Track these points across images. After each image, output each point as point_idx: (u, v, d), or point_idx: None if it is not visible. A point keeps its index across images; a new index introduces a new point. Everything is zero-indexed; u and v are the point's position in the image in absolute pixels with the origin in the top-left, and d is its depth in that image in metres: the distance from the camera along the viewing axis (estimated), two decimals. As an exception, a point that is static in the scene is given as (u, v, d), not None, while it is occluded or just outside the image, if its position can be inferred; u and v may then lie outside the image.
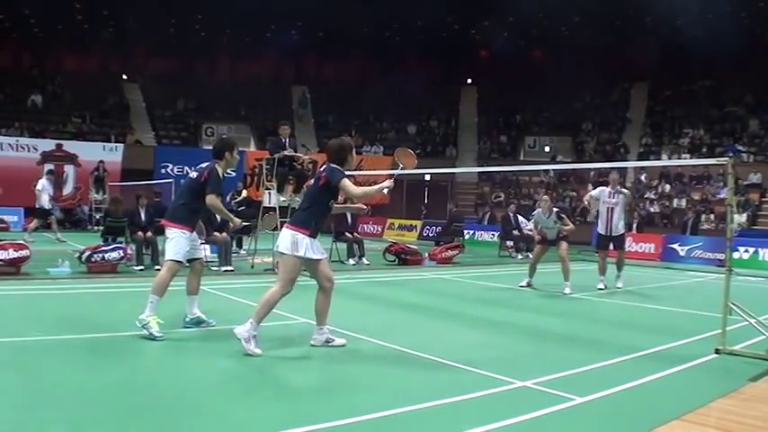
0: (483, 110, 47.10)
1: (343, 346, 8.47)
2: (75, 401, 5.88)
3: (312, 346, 8.43)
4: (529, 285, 15.96)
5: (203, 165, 9.08)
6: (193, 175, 9.04)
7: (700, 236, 26.71)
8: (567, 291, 14.84)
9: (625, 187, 19.62)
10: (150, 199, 18.90)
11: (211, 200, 8.83)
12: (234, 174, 33.98)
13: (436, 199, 40.51)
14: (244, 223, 21.26)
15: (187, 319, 9.14)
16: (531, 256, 24.10)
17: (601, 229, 16.62)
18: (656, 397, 6.66)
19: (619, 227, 16.38)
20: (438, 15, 39.26)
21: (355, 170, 35.41)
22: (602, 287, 15.75)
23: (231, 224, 9.37)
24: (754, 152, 34.97)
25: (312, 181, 9.33)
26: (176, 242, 8.70)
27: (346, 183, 8.17)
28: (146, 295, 8.54)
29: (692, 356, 8.38)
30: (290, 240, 8.07)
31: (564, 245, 15.63)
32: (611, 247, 16.50)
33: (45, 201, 23.58)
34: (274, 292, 8.04)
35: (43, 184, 23.92)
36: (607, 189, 16.86)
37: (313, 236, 8.19)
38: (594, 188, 18.51)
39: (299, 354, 8.19)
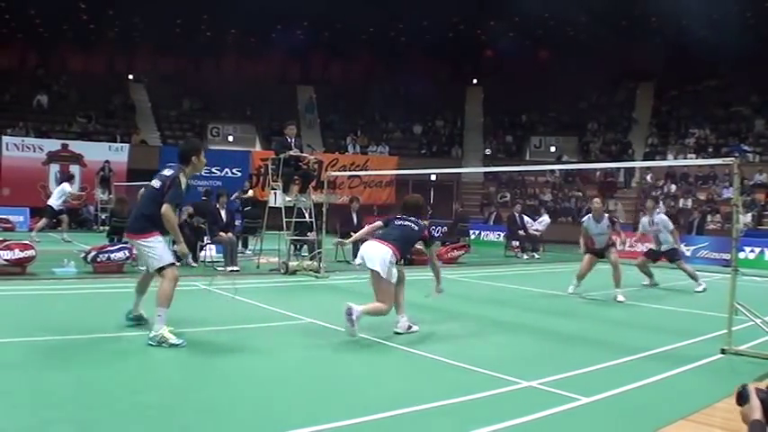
0: (489, 110, 47.08)
1: (417, 332, 9.44)
2: (81, 401, 5.89)
3: (396, 333, 9.22)
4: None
5: (166, 172, 8.60)
6: (156, 184, 8.47)
7: (705, 236, 26.66)
8: (621, 298, 14.03)
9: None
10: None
11: (166, 210, 8.26)
12: (239, 174, 34.15)
13: (442, 199, 40.51)
14: (248, 224, 21.42)
15: (130, 316, 9.07)
16: (536, 257, 24.30)
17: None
18: (662, 397, 6.65)
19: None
20: (444, 15, 39.29)
21: (360, 170, 35.65)
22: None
23: (178, 247, 8.79)
24: (759, 152, 34.93)
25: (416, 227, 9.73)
26: (161, 248, 8.44)
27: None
28: (151, 296, 8.53)
29: (698, 356, 8.37)
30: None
31: (614, 250, 14.91)
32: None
33: (59, 203, 23.59)
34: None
35: (64, 189, 23.91)
36: (645, 218, 17.78)
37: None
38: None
39: (304, 354, 8.19)
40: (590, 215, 15.12)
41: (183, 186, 8.49)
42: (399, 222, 9.59)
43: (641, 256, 18.38)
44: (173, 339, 7.93)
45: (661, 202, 23.41)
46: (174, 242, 8.86)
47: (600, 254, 14.96)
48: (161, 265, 8.30)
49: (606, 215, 15.04)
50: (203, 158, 8.91)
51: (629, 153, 38.91)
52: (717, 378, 7.61)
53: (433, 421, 5.72)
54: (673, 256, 17.49)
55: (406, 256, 9.29)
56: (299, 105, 45.53)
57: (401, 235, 9.41)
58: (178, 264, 8.87)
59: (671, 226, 17.40)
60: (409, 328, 9.36)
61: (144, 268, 8.92)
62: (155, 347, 7.85)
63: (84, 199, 31.21)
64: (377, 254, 9.02)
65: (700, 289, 16.00)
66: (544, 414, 5.85)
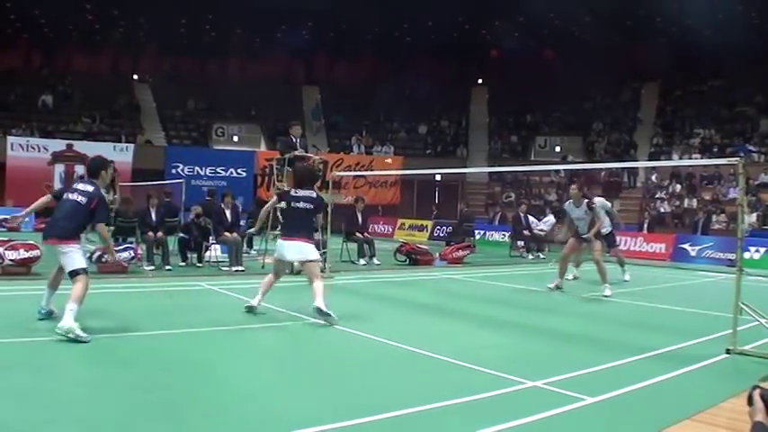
0: (494, 110, 47.05)
1: None
2: (86, 401, 5.90)
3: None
4: (558, 288, 15.13)
5: (88, 188, 9.03)
6: (81, 200, 8.88)
7: (710, 236, 26.64)
8: (608, 293, 14.39)
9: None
10: (161, 199, 18.91)
11: (101, 228, 9.14)
12: (244, 174, 34.20)
13: (447, 199, 40.52)
14: (252, 223, 21.41)
15: (43, 312, 9.34)
16: (542, 257, 24.29)
17: None
18: (667, 397, 6.65)
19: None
20: (449, 15, 39.25)
21: (366, 170, 35.65)
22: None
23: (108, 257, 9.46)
24: (764, 152, 34.84)
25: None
26: (78, 254, 8.82)
27: None
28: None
29: (703, 356, 8.37)
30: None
31: (597, 245, 15.16)
32: None
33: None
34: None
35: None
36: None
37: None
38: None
39: (308, 354, 8.21)
40: (570, 200, 15.64)
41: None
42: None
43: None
44: (79, 332, 8.07)
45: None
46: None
47: (581, 240, 15.29)
48: (81, 268, 8.71)
49: (585, 201, 15.25)
50: (110, 172, 9.69)
51: (631, 153, 38.87)
52: (722, 378, 7.62)
53: (439, 421, 5.73)
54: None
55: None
56: (304, 106, 45.52)
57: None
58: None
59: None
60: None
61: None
62: (162, 346, 7.89)
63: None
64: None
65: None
66: (549, 414, 5.86)
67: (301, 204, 10.40)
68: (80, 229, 8.93)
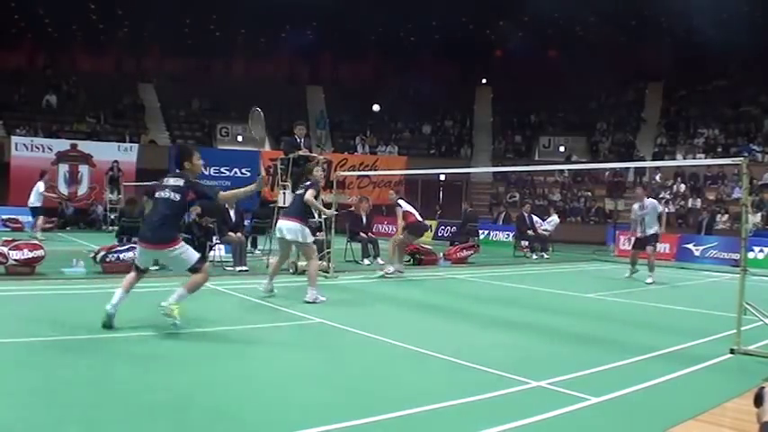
0: (498, 110, 47.11)
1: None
2: (90, 401, 5.90)
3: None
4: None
5: (178, 182, 9.04)
6: (174, 196, 8.96)
7: (714, 236, 26.63)
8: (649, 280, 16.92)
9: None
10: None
11: (223, 197, 9.64)
12: (249, 174, 34.21)
13: (451, 199, 40.53)
14: (257, 224, 21.44)
15: (112, 312, 9.01)
16: (546, 257, 24.30)
17: None
18: (671, 397, 6.63)
19: None
20: (453, 15, 39.31)
21: (370, 170, 35.67)
22: None
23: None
24: (768, 152, 34.92)
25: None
26: (188, 250, 9.17)
27: None
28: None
29: (707, 356, 8.35)
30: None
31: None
32: None
33: (37, 202, 23.76)
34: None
35: (38, 188, 24.13)
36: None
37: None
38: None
39: (313, 354, 8.21)
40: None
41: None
42: None
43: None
44: (177, 318, 8.61)
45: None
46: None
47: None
48: (193, 265, 9.00)
49: (648, 199, 17.83)
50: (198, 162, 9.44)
51: (631, 153, 38.89)
52: (726, 378, 7.60)
53: (443, 421, 5.72)
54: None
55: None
56: (309, 106, 45.56)
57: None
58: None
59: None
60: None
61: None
62: (166, 346, 7.90)
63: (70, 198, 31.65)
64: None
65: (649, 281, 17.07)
66: (553, 414, 5.85)
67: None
68: (178, 227, 9.32)
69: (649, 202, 17.84)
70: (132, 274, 9.08)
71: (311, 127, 41.84)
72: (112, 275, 14.15)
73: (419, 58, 46.11)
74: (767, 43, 34.06)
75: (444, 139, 45.45)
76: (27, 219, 27.17)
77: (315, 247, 12.33)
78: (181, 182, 8.97)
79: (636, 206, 18.08)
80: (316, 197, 12.57)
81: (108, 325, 8.56)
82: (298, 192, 12.54)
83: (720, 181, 34.46)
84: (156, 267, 12.99)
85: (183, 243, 8.95)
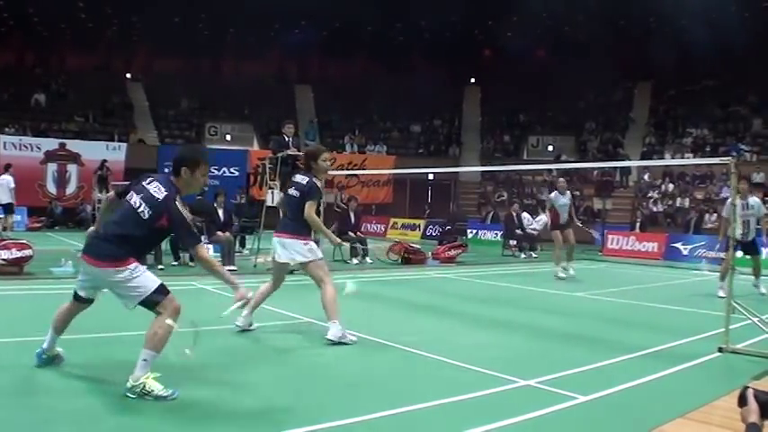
0: (486, 109, 47.10)
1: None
2: (79, 401, 5.88)
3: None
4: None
5: (302, 180, 8.91)
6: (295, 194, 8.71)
7: (703, 235, 26.70)
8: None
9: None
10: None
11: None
12: (237, 173, 34.18)
13: (439, 198, 40.56)
14: (245, 223, 21.41)
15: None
16: (534, 256, 24.35)
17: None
18: (660, 395, 6.66)
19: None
20: (442, 15, 39.25)
21: (358, 169, 35.68)
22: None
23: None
24: (757, 151, 34.99)
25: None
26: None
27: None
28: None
29: (696, 355, 8.38)
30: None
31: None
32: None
33: (8, 198, 23.57)
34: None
35: (8, 180, 23.89)
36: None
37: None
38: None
39: (301, 354, 8.21)
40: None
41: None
42: None
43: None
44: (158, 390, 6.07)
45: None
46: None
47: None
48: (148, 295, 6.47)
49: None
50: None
51: (617, 151, 38.98)
52: (714, 376, 7.64)
53: (431, 420, 5.73)
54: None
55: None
56: (297, 105, 45.52)
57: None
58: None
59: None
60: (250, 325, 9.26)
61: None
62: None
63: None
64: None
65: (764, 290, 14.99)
66: (541, 413, 5.86)
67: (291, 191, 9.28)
68: (136, 247, 6.51)
69: (755, 200, 15.08)
70: (65, 305, 7.01)
71: (299, 119, 41.83)
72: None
73: (408, 58, 46.16)
74: (756, 43, 34.18)
75: (433, 139, 45.46)
76: (16, 218, 27.07)
77: (324, 264, 9.18)
78: (161, 193, 6.49)
79: (739, 203, 15.59)
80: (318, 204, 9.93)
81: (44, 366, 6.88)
82: (290, 192, 9.23)
83: (709, 180, 34.56)
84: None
85: (137, 265, 6.39)
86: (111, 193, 7.11)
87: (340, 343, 8.55)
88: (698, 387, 7.11)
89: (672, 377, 7.38)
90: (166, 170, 7.30)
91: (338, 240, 10.46)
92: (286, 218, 9.36)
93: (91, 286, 6.71)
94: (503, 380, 6.91)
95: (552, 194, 18.69)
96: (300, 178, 9.17)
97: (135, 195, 6.54)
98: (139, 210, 6.41)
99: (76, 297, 6.84)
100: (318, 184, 9.17)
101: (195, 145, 8.46)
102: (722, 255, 15.63)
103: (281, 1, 34.88)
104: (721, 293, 13.46)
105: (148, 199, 6.45)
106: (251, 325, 9.28)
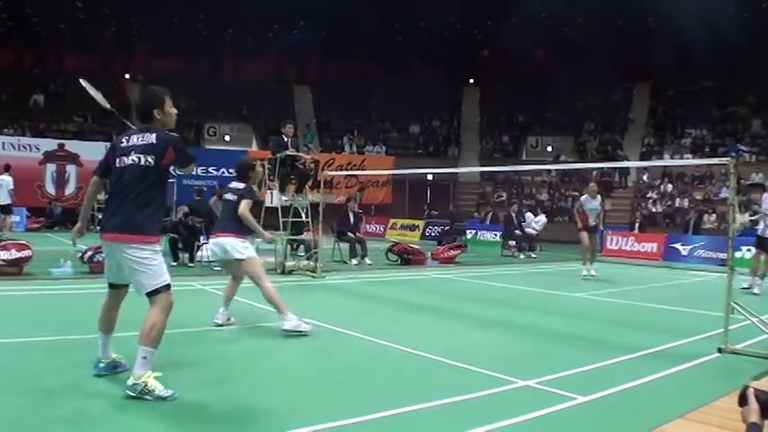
0: (485, 110, 47.14)
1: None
2: (79, 401, 5.88)
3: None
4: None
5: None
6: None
7: (702, 235, 26.72)
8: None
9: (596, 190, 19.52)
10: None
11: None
12: (236, 174, 34.11)
13: (439, 199, 40.56)
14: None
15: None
16: (533, 256, 24.37)
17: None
18: (659, 396, 6.65)
19: None
20: (441, 16, 39.28)
21: (357, 169, 35.68)
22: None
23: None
24: (756, 152, 35.01)
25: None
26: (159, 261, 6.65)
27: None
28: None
29: (695, 355, 8.38)
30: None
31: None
32: None
33: (5, 198, 23.47)
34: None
35: (8, 180, 23.81)
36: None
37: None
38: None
39: (300, 354, 8.19)
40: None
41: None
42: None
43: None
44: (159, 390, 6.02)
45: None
46: None
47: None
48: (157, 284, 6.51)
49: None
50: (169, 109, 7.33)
51: (615, 152, 38.99)
52: (714, 377, 7.63)
53: (431, 420, 5.72)
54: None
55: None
56: (296, 106, 45.49)
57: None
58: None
59: None
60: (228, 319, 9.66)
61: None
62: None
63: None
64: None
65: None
66: (541, 413, 5.86)
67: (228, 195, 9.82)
68: (158, 215, 6.62)
69: None
70: (104, 301, 7.05)
71: (298, 120, 41.78)
72: (100, 275, 14.13)
73: (407, 58, 46.16)
74: (755, 44, 34.21)
75: (432, 139, 45.49)
76: (15, 218, 27.08)
77: (258, 262, 9.58)
78: (151, 136, 6.56)
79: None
80: (258, 205, 10.76)
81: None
82: (226, 197, 9.79)
83: (708, 181, 34.58)
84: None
85: (158, 249, 6.50)
86: (95, 177, 7.02)
87: (297, 333, 8.94)
88: (697, 387, 7.11)
89: (671, 377, 7.37)
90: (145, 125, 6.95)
91: (269, 236, 10.75)
92: (222, 219, 9.83)
93: (115, 266, 6.55)
94: (502, 380, 6.90)
95: (583, 197, 19.13)
96: (236, 185, 9.77)
97: (128, 158, 6.44)
98: (143, 163, 6.30)
99: (110, 285, 6.85)
100: (254, 188, 9.88)
101: (149, 87, 8.25)
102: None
103: (280, 1, 34.91)
104: (755, 290, 15.09)
105: (145, 149, 6.40)
106: (229, 319, 9.66)
